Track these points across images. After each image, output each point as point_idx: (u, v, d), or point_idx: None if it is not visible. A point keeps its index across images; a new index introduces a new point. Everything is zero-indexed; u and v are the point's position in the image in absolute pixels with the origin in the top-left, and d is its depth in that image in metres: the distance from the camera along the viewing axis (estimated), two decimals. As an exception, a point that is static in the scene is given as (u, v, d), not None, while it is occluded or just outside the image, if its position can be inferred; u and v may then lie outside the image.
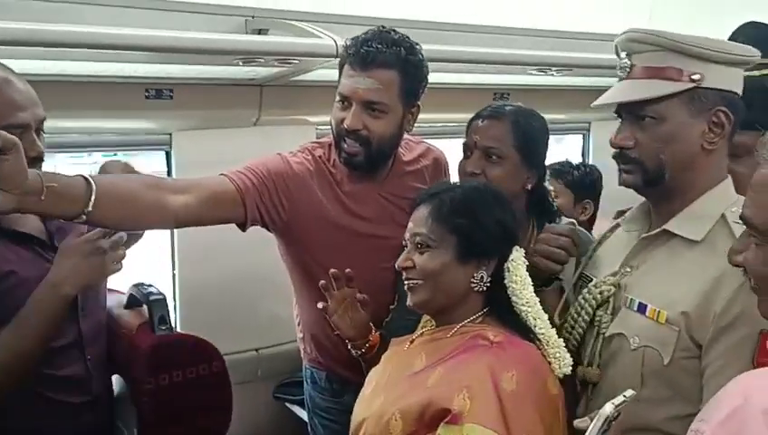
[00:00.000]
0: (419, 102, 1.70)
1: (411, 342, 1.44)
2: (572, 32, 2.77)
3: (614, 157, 1.38)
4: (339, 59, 1.66)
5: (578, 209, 2.49)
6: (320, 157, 1.73)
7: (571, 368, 1.37)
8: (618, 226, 1.55)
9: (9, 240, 1.46)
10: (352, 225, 1.71)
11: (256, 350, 2.49)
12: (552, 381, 1.32)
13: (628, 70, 1.34)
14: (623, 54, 1.35)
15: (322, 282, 1.56)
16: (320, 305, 1.58)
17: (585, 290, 1.45)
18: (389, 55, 1.59)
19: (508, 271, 1.38)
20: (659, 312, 1.30)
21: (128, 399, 1.60)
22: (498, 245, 1.38)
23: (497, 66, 2.41)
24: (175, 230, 2.22)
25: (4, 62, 1.48)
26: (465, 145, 1.68)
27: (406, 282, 1.38)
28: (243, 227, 1.64)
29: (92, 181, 1.28)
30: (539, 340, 1.36)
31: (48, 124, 2.01)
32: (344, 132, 1.62)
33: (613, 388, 1.34)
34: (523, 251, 1.42)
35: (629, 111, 1.34)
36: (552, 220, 1.74)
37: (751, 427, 0.84)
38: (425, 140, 1.94)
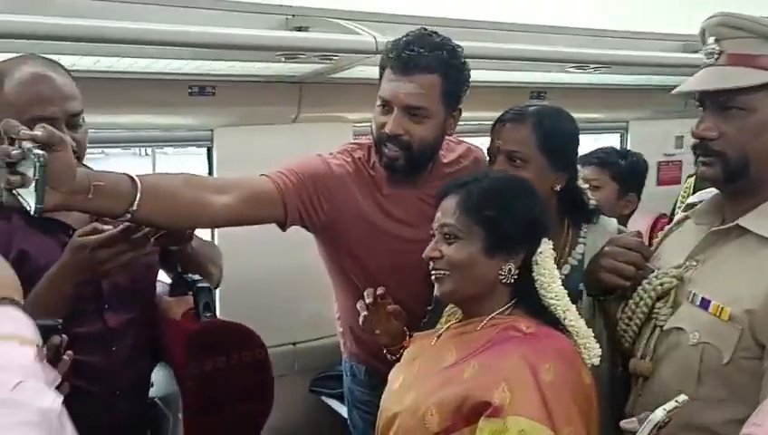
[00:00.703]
0: (461, 106, 1.67)
1: (438, 336, 1.44)
2: (611, 29, 2.74)
3: (693, 148, 1.33)
4: (379, 60, 1.65)
5: (621, 203, 2.35)
6: (359, 159, 1.72)
7: (599, 358, 1.35)
8: (686, 218, 1.49)
9: (39, 227, 1.46)
10: (391, 227, 1.71)
11: (293, 344, 2.51)
12: (586, 371, 1.32)
13: (715, 56, 1.27)
14: (711, 40, 1.28)
15: (360, 303, 1.57)
16: (359, 307, 1.58)
17: (645, 281, 1.40)
18: (431, 59, 1.56)
19: (536, 264, 1.37)
20: (723, 308, 1.24)
21: (173, 384, 1.63)
22: (527, 237, 1.37)
23: (534, 64, 2.40)
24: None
25: (54, 57, 1.53)
26: (488, 150, 1.67)
27: (433, 272, 1.37)
28: (283, 227, 1.64)
29: (138, 180, 1.30)
30: (568, 331, 1.35)
31: (94, 120, 2.07)
32: (385, 137, 1.61)
33: (666, 384, 1.32)
34: (551, 244, 1.40)
35: (715, 101, 1.27)
36: (589, 220, 1.70)
37: None
38: (465, 140, 1.92)
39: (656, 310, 1.37)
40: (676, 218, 1.56)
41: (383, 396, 1.44)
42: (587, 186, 1.81)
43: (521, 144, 1.58)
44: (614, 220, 1.77)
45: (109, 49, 1.75)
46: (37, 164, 1.09)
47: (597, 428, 1.29)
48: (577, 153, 1.70)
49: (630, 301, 1.43)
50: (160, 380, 1.74)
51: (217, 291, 2.38)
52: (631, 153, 2.49)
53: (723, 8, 1.31)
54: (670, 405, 1.06)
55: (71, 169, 1.17)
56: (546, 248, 1.38)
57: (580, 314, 1.40)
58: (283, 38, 1.91)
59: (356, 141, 1.79)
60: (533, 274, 1.37)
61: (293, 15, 2.15)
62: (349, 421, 2.05)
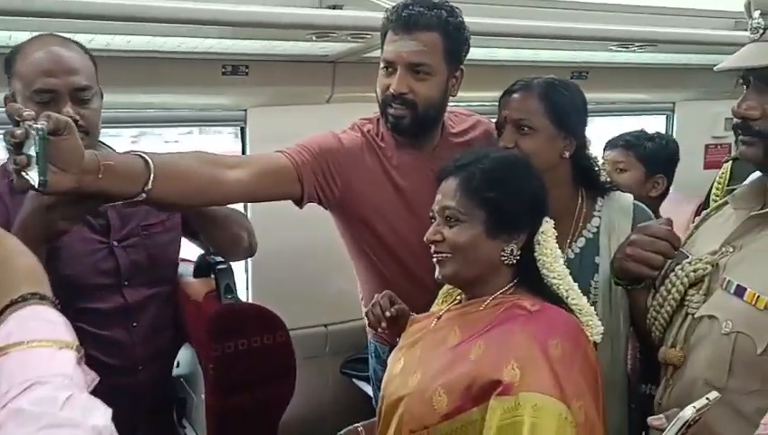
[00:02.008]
0: (462, 67, 1.69)
1: (438, 318, 1.43)
2: (657, 6, 2.64)
3: (734, 126, 1.27)
4: (381, 26, 1.66)
5: (648, 185, 2.29)
6: (368, 131, 1.73)
7: (601, 336, 1.35)
8: (725, 203, 1.43)
9: None
10: (402, 198, 1.71)
11: (325, 325, 2.52)
12: (591, 348, 1.31)
13: (761, 31, 1.21)
14: (756, 14, 1.22)
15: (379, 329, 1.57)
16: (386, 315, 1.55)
17: (678, 267, 1.35)
18: (431, 18, 1.59)
19: (538, 244, 1.37)
20: (759, 297, 1.19)
21: (196, 365, 1.64)
22: (528, 218, 1.36)
23: (576, 42, 2.33)
24: (248, 205, 2.26)
25: (86, 36, 1.54)
26: (497, 123, 1.68)
27: (435, 255, 1.37)
28: (299, 203, 1.65)
29: (150, 160, 1.31)
30: (571, 309, 1.35)
31: (127, 99, 2.07)
32: (390, 98, 1.62)
33: (697, 373, 1.28)
34: (552, 223, 1.40)
35: (759, 78, 1.22)
36: (603, 193, 1.70)
37: None
38: (475, 113, 1.92)
39: (688, 297, 1.32)
40: (715, 204, 1.49)
41: (383, 381, 1.43)
42: (611, 169, 1.81)
43: (528, 112, 1.61)
44: (629, 195, 1.73)
45: (140, 28, 1.74)
46: (36, 138, 1.11)
47: (602, 403, 1.27)
48: (585, 122, 1.70)
49: (662, 287, 1.38)
50: (185, 360, 1.75)
51: (249, 272, 2.41)
52: (660, 135, 2.42)
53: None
54: (701, 402, 1.02)
55: (78, 151, 1.19)
56: (548, 228, 1.38)
57: (592, 289, 1.49)
58: (316, 16, 1.88)
59: (365, 117, 1.79)
60: (535, 253, 1.37)
61: (328, -8, 2.12)
62: (374, 401, 2.04)
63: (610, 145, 2.36)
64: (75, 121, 1.40)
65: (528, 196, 1.36)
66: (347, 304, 2.41)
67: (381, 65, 1.65)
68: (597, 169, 1.73)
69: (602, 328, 1.36)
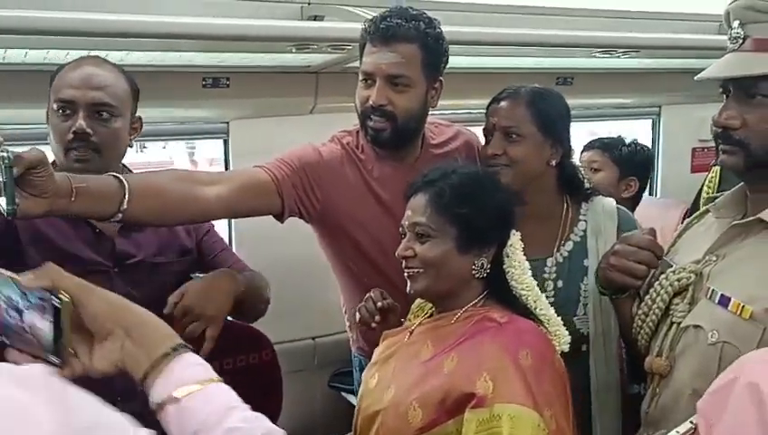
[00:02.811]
0: (442, 78, 1.69)
1: (411, 332, 1.43)
2: (640, 11, 2.64)
3: (715, 136, 1.28)
4: (359, 38, 1.65)
5: (621, 186, 2.39)
6: (348, 144, 1.72)
7: (568, 345, 1.37)
8: (707, 211, 1.43)
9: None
10: (383, 210, 1.70)
11: (313, 338, 2.49)
12: (557, 357, 1.34)
13: (740, 41, 1.22)
14: (735, 24, 1.23)
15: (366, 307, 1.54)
16: (361, 312, 1.55)
17: (663, 276, 1.35)
18: (409, 29, 1.58)
19: (507, 256, 1.39)
20: (743, 306, 1.19)
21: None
22: (498, 231, 1.38)
23: (560, 49, 2.33)
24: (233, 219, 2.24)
25: (61, 52, 1.55)
26: (484, 130, 1.69)
27: (406, 270, 1.37)
28: (280, 218, 1.63)
29: (124, 180, 1.30)
30: (539, 320, 1.37)
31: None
32: (369, 110, 1.62)
33: (683, 383, 1.28)
34: (519, 235, 1.41)
35: (738, 88, 1.22)
36: (586, 198, 1.73)
37: (734, 398, 0.83)
38: (455, 124, 1.92)
39: (673, 306, 1.33)
40: (698, 212, 1.50)
41: (359, 396, 1.44)
42: (586, 167, 1.90)
43: (516, 119, 1.63)
44: (612, 200, 1.77)
45: (118, 43, 1.73)
46: (2, 165, 1.09)
47: (571, 412, 1.29)
48: (569, 130, 1.73)
49: (647, 296, 1.38)
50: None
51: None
52: (636, 142, 2.52)
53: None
54: (684, 427, 1.01)
55: (50, 179, 1.17)
56: (516, 240, 1.40)
57: (582, 291, 1.58)
58: (295, 28, 1.86)
59: (345, 130, 1.78)
60: (505, 266, 1.39)
61: (309, 3, 2.11)
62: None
63: (587, 147, 2.46)
64: (87, 135, 1.44)
65: (497, 210, 1.37)
66: (335, 316, 2.37)
67: (360, 77, 1.64)
68: (581, 175, 1.76)
69: (569, 338, 1.38)
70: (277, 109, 2.32)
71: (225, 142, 2.34)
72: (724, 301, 1.23)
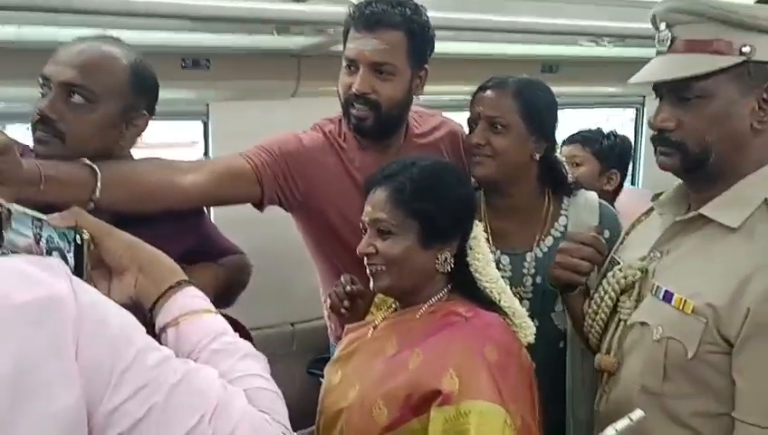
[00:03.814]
0: (427, 66, 1.65)
1: (374, 327, 1.40)
2: (625, 0, 2.62)
3: (652, 139, 1.28)
4: (344, 22, 1.62)
5: (603, 179, 2.40)
6: (330, 132, 1.70)
7: (534, 337, 1.35)
8: (653, 209, 1.44)
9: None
10: (363, 200, 1.66)
11: (292, 324, 2.48)
12: (524, 352, 1.32)
13: (668, 43, 1.22)
14: (662, 26, 1.23)
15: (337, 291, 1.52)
16: (333, 296, 1.54)
17: (610, 274, 1.37)
18: (395, 16, 1.55)
19: (470, 248, 1.37)
20: (686, 301, 1.21)
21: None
22: (460, 223, 1.36)
23: (546, 37, 2.31)
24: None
25: (29, 28, 1.50)
26: (469, 119, 1.66)
27: (369, 267, 1.34)
28: (260, 206, 1.61)
29: (96, 167, 1.27)
30: (504, 312, 1.35)
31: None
32: (353, 97, 1.59)
33: (632, 380, 1.29)
34: (482, 226, 1.40)
35: (671, 90, 1.23)
36: (569, 191, 1.71)
37: None
38: (440, 113, 1.89)
39: (620, 304, 1.34)
40: (645, 209, 1.50)
41: (321, 393, 1.40)
42: (568, 162, 1.87)
43: (502, 110, 1.60)
44: (594, 194, 1.76)
45: (93, 20, 1.68)
46: None
47: (538, 407, 1.29)
48: (555, 124, 1.71)
49: (596, 295, 1.39)
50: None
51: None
52: (615, 134, 2.52)
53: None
54: (622, 424, 1.03)
55: (15, 166, 1.14)
56: (478, 232, 1.38)
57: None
58: (276, 10, 1.83)
59: (327, 117, 1.75)
60: (468, 258, 1.37)
61: (293, -15, 2.06)
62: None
63: (568, 140, 2.47)
64: (49, 119, 1.29)
65: (459, 203, 1.35)
66: (314, 302, 2.35)
67: (344, 63, 1.61)
68: (564, 170, 1.74)
69: (534, 329, 1.37)
70: (258, 92, 2.29)
71: (205, 124, 2.30)
72: (668, 297, 1.25)
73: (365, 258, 1.34)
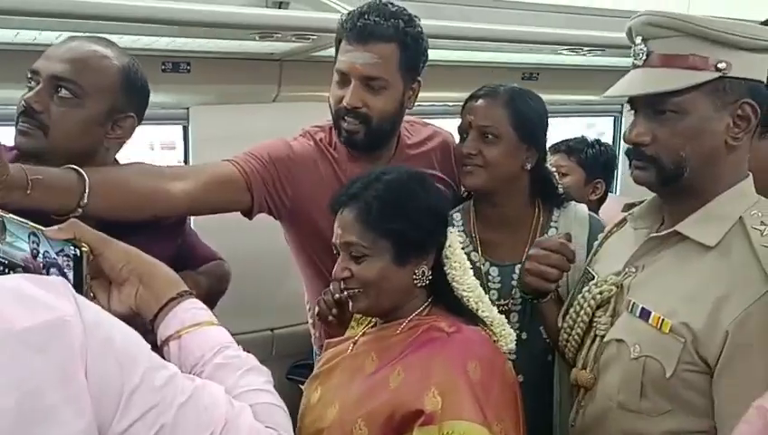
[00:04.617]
0: (420, 78, 1.63)
1: (354, 343, 1.37)
2: (605, 9, 2.65)
3: (626, 153, 1.28)
4: (336, 33, 1.60)
5: (588, 189, 2.39)
6: (320, 140, 1.67)
7: (515, 344, 1.34)
8: (625, 220, 1.43)
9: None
10: None
11: (271, 330, 2.46)
12: (508, 367, 1.30)
13: (644, 57, 1.21)
14: (638, 39, 1.22)
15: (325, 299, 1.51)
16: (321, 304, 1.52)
17: (585, 289, 1.36)
18: (388, 28, 1.52)
19: (447, 258, 1.33)
20: (663, 320, 1.19)
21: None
22: (434, 235, 1.32)
23: (527, 45, 2.32)
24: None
25: (9, 31, 1.47)
26: (459, 128, 1.64)
27: (345, 291, 1.31)
28: (248, 214, 1.59)
29: (84, 173, 1.24)
30: (483, 322, 1.33)
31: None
32: (343, 111, 1.57)
33: (608, 396, 1.28)
34: (456, 232, 1.37)
35: (646, 104, 1.22)
36: (559, 203, 1.70)
37: None
38: (431, 123, 1.87)
39: (596, 319, 1.33)
40: (615, 221, 1.50)
41: (300, 411, 1.36)
42: (555, 171, 1.82)
43: (494, 120, 1.59)
44: (584, 206, 1.75)
45: (74, 24, 1.65)
46: None
47: (523, 423, 1.27)
48: (546, 134, 1.70)
49: (571, 309, 1.38)
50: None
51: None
52: (599, 142, 2.52)
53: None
54: None
55: (2, 168, 1.12)
56: (454, 239, 1.34)
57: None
58: (259, 16, 1.82)
59: (317, 124, 1.73)
60: (445, 268, 1.33)
61: (275, -9, 2.06)
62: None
63: (553, 150, 2.41)
64: (33, 111, 1.29)
65: (430, 214, 1.31)
66: (294, 307, 2.35)
67: (335, 76, 1.58)
68: (555, 181, 1.72)
69: (514, 336, 1.35)
70: (239, 96, 2.28)
71: (185, 129, 2.28)
72: (645, 314, 1.24)
73: (341, 282, 1.31)
